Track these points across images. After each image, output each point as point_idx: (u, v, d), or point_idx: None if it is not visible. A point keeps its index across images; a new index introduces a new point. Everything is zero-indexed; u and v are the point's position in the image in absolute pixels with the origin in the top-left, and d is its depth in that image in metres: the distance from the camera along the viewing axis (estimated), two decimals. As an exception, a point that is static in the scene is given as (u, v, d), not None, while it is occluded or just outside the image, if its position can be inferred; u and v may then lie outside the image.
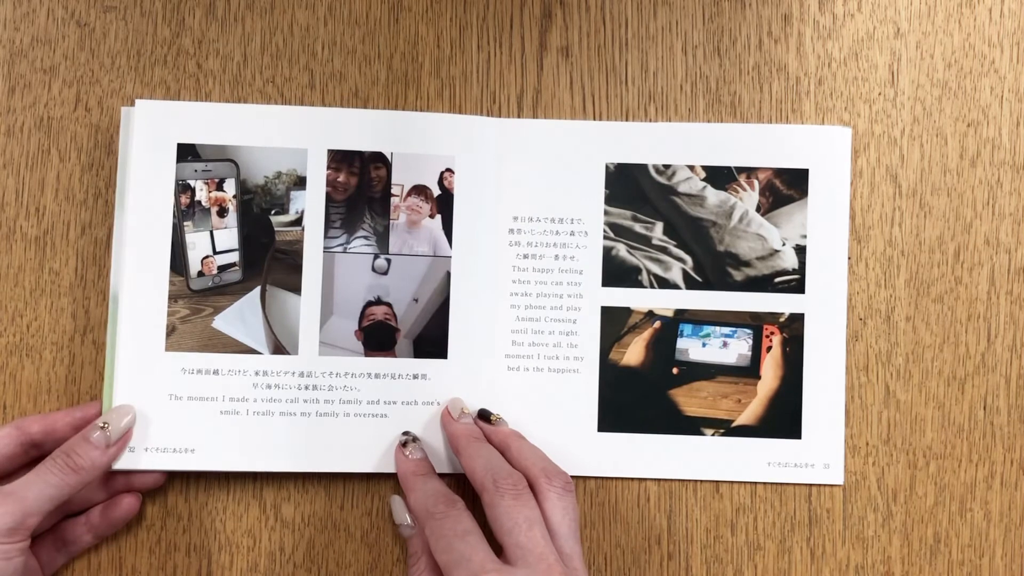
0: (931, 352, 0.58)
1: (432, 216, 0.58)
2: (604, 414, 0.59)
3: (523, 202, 0.59)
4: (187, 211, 0.58)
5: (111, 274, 0.57)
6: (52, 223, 0.59)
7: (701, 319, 0.59)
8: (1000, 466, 0.58)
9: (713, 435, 0.59)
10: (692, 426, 0.59)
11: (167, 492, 0.58)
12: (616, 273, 0.60)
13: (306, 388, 0.57)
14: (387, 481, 0.59)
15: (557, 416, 0.59)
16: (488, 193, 0.59)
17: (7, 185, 0.59)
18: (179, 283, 0.57)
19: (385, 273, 0.58)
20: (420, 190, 0.58)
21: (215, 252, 0.58)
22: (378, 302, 0.58)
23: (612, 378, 0.59)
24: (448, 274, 0.58)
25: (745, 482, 0.58)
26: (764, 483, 0.58)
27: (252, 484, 0.59)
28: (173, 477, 0.58)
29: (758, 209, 0.59)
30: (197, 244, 0.58)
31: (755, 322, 0.59)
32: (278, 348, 0.57)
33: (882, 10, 0.60)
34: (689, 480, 0.59)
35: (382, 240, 0.58)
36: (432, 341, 0.58)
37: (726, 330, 0.59)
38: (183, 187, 0.58)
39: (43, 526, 0.55)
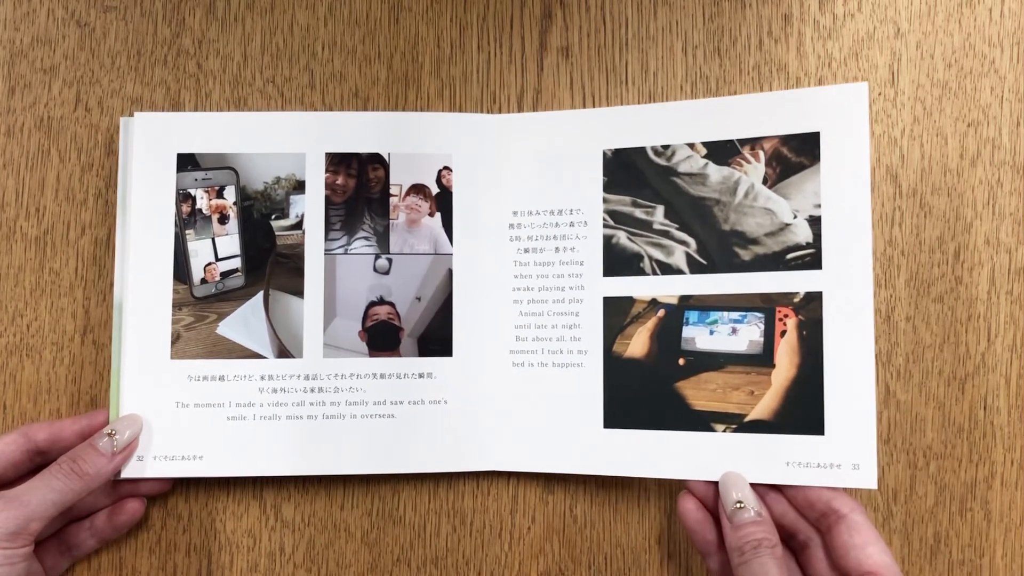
0: (931, 352, 0.58)
1: (431, 214, 0.58)
2: (609, 409, 0.57)
3: (522, 196, 0.59)
4: (188, 219, 0.58)
5: (115, 284, 0.57)
6: (52, 223, 0.59)
7: (708, 305, 0.56)
8: (1000, 466, 0.58)
9: (724, 431, 0.54)
10: (701, 421, 0.55)
11: (167, 493, 0.58)
12: (617, 262, 0.57)
13: (312, 391, 0.57)
14: (387, 481, 0.59)
15: (562, 412, 0.57)
16: (487, 189, 0.59)
17: (7, 185, 0.59)
18: (183, 291, 0.57)
19: (387, 273, 0.58)
20: (419, 189, 0.58)
21: (217, 259, 0.58)
22: (381, 302, 0.58)
23: (616, 371, 0.57)
24: (450, 272, 0.58)
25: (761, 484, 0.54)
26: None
27: (252, 484, 0.59)
28: (175, 478, 0.58)
29: (765, 182, 0.56)
30: (199, 252, 0.58)
31: (766, 304, 0.55)
32: (283, 352, 0.57)
33: (882, 10, 0.60)
34: (699, 480, 0.56)
35: (382, 240, 0.58)
36: (436, 339, 0.58)
37: (735, 315, 0.55)
38: (184, 196, 0.58)
39: (47, 531, 0.55)
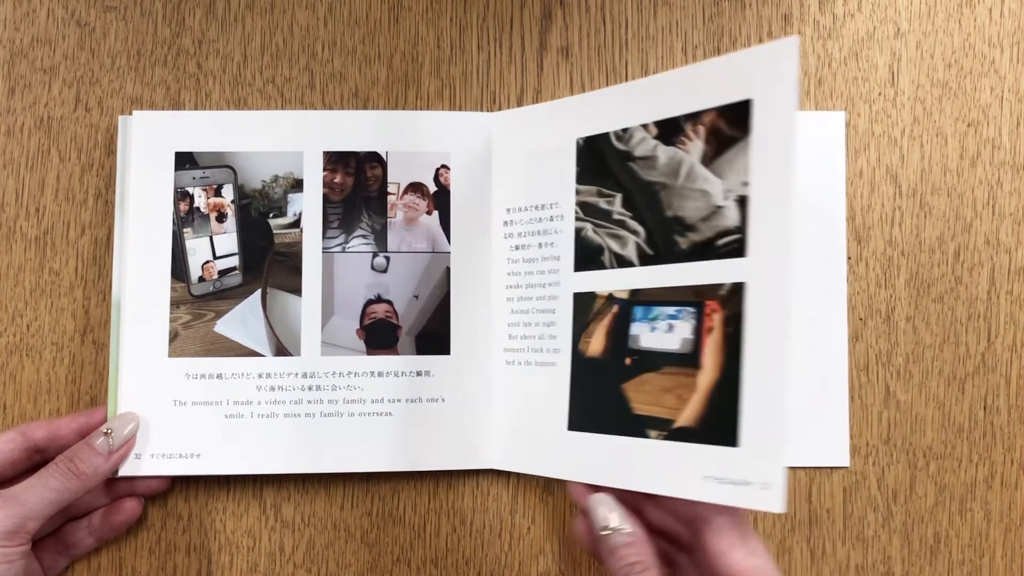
0: (931, 352, 0.58)
1: (429, 213, 0.58)
2: (573, 411, 0.54)
3: (513, 193, 0.58)
4: (186, 218, 0.58)
5: (113, 282, 0.57)
6: (52, 223, 0.59)
7: (652, 299, 0.50)
8: (1000, 466, 0.57)
9: (656, 438, 0.49)
10: (639, 427, 0.50)
11: (167, 493, 0.58)
12: (585, 256, 0.55)
13: (310, 389, 0.57)
14: (386, 481, 0.59)
15: (539, 412, 0.56)
16: (483, 187, 0.59)
17: (7, 185, 0.59)
18: (180, 289, 0.57)
19: (384, 271, 0.58)
20: (416, 187, 0.58)
21: (215, 257, 0.58)
22: (379, 300, 0.58)
23: (581, 371, 0.54)
24: (447, 270, 0.58)
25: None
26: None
27: (252, 484, 0.58)
28: (174, 478, 0.58)
29: (703, 160, 0.50)
30: (197, 250, 0.58)
31: (698, 298, 0.48)
32: (280, 350, 0.57)
33: (882, 10, 0.60)
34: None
35: (380, 238, 0.58)
36: (434, 337, 0.58)
37: (671, 310, 0.49)
38: (182, 194, 0.58)
39: (45, 529, 0.55)
